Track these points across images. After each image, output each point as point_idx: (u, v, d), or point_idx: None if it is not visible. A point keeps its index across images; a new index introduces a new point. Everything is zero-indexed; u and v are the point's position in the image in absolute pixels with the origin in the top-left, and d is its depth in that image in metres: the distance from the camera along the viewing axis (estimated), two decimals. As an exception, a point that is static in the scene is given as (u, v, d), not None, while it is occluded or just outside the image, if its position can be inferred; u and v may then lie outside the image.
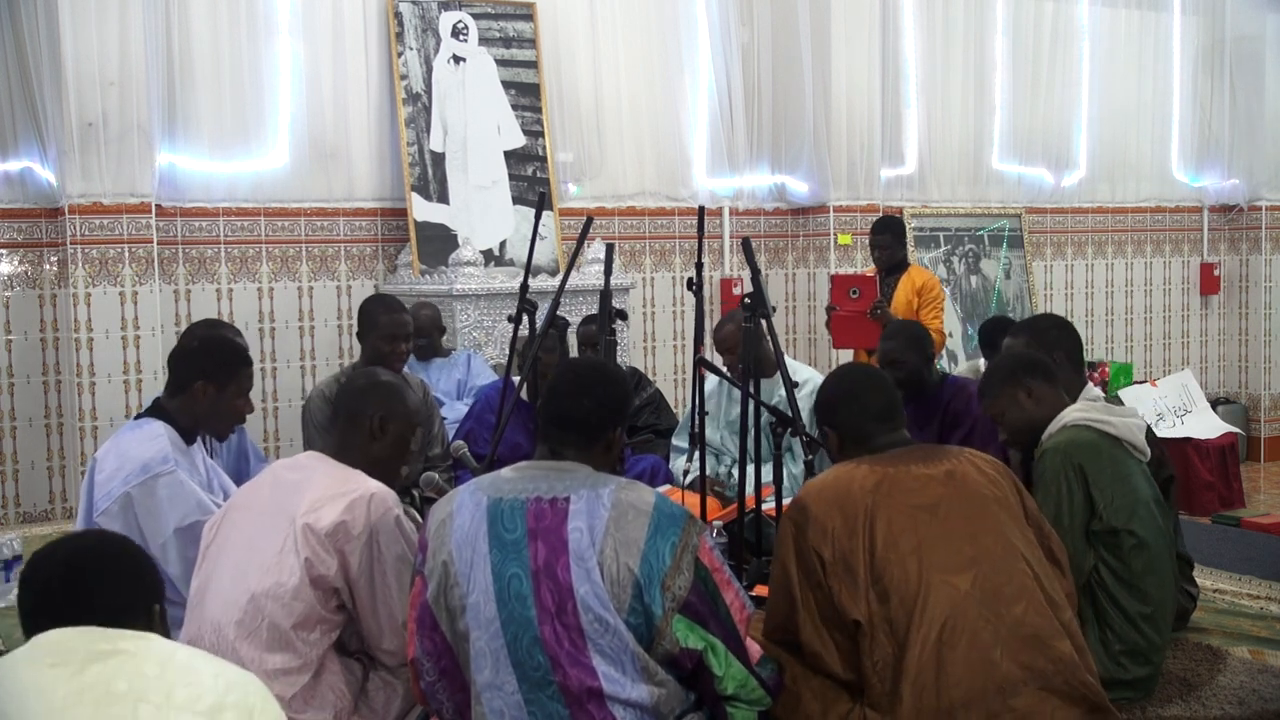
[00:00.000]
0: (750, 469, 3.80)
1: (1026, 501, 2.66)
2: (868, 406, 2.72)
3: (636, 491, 2.31)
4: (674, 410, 5.72)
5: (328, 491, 2.58)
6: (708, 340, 5.13)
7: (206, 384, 3.20)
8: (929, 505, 2.50)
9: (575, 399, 2.41)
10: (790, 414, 3.47)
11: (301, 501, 2.57)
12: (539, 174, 6.28)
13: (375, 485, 2.63)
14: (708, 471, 4.25)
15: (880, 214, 6.75)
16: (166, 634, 1.86)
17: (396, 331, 4.42)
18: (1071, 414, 3.25)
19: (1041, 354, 3.49)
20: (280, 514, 2.59)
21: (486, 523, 2.29)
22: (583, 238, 3.98)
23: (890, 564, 2.42)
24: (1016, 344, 3.83)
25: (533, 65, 6.33)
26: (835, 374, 2.95)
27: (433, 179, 6.02)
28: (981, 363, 5.45)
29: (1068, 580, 2.65)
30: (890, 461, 2.58)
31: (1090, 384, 3.66)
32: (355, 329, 4.73)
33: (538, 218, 4.10)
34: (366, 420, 2.76)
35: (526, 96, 6.30)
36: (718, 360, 4.65)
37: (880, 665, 2.40)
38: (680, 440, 4.75)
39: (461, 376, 5.53)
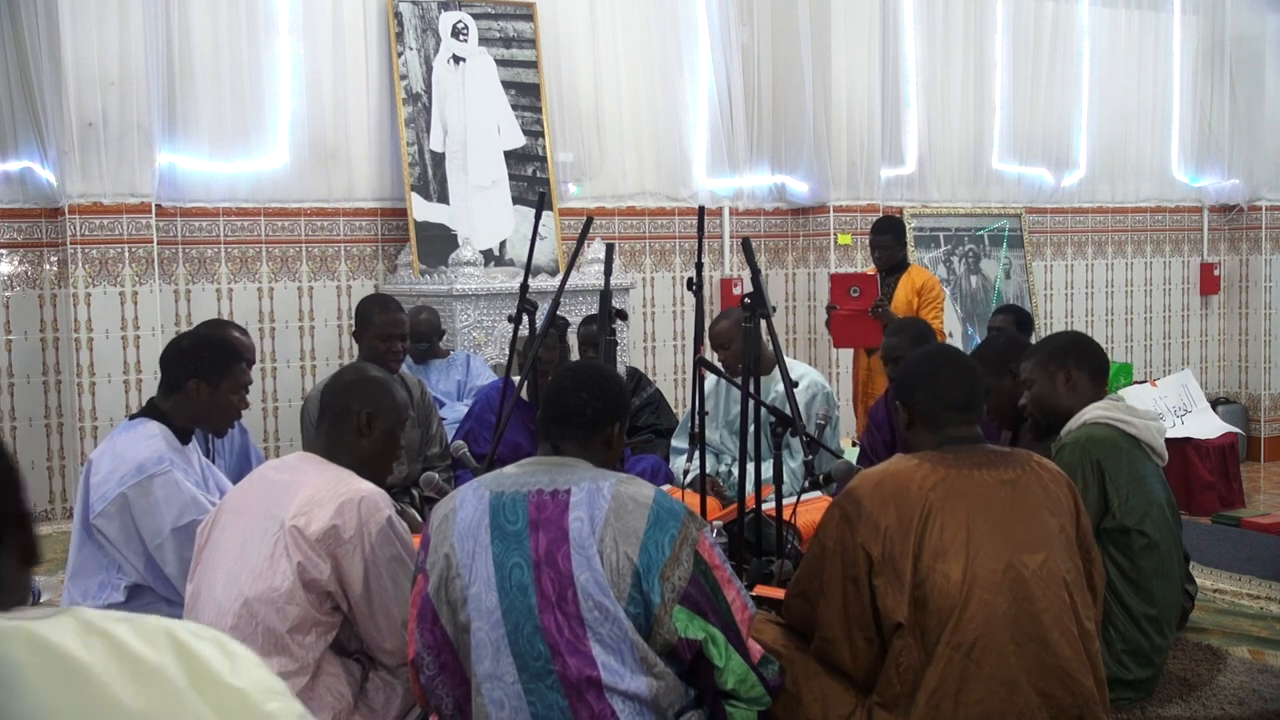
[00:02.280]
0: (750, 468, 3.80)
1: (1082, 521, 2.59)
2: (945, 393, 2.63)
3: (637, 485, 2.34)
4: (674, 410, 5.72)
5: (317, 494, 2.56)
6: (708, 340, 5.13)
7: (199, 382, 3.20)
8: (984, 515, 2.44)
9: (573, 394, 2.45)
10: (789, 413, 3.47)
11: (290, 504, 2.55)
12: (539, 174, 6.28)
13: (366, 487, 2.60)
14: (708, 470, 4.25)
15: (880, 214, 6.75)
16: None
17: (392, 330, 4.42)
18: (1093, 411, 3.25)
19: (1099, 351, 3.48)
20: (269, 517, 2.56)
21: (489, 515, 2.32)
22: (583, 238, 3.98)
23: (934, 572, 2.39)
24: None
25: (533, 65, 6.33)
26: (924, 353, 2.86)
27: (433, 179, 6.01)
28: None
29: (1098, 609, 2.62)
30: (953, 462, 2.51)
31: None
32: (354, 328, 4.74)
33: (538, 218, 4.10)
34: (353, 417, 2.73)
35: (526, 96, 6.30)
36: (715, 358, 4.66)
37: (904, 668, 2.38)
38: (680, 441, 4.75)
39: (461, 377, 5.53)
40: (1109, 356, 8.06)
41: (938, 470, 2.48)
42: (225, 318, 5.63)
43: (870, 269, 6.09)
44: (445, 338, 5.59)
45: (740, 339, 3.99)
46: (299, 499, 2.56)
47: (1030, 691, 2.36)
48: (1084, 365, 3.34)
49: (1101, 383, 3.37)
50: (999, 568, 2.40)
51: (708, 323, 4.67)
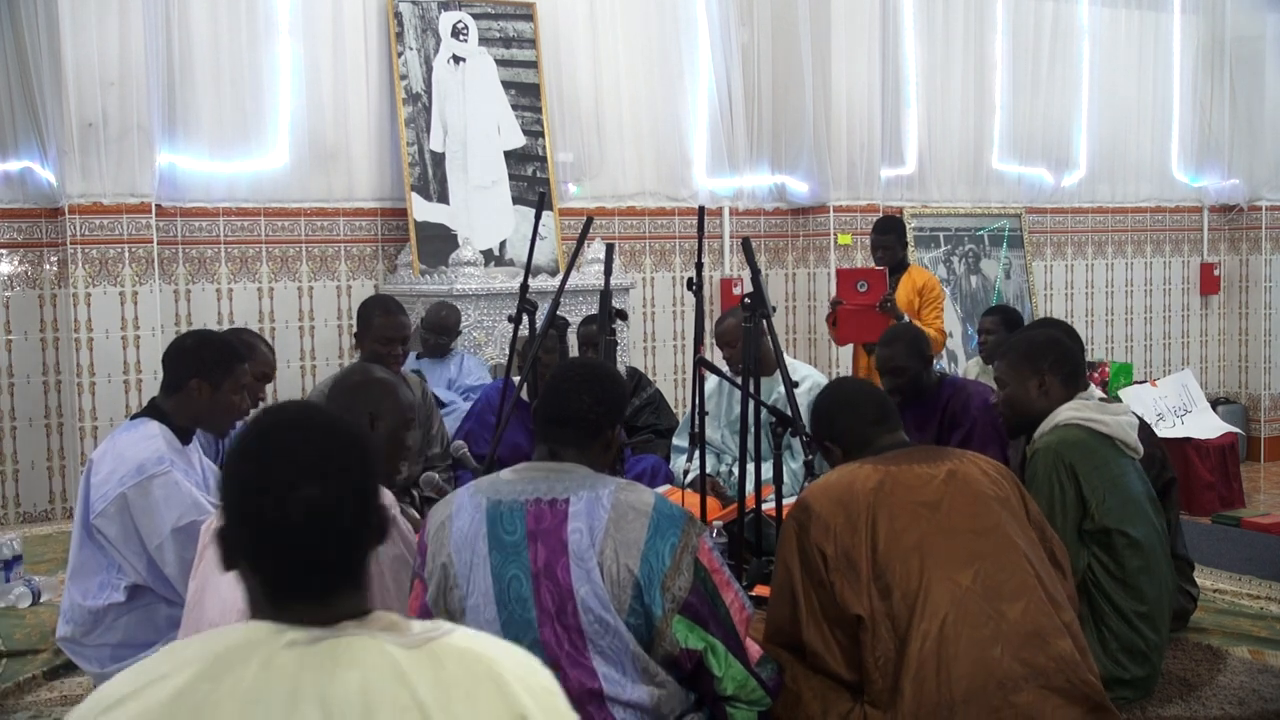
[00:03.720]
0: (750, 468, 3.80)
1: (1029, 503, 2.67)
2: (863, 412, 2.76)
3: (636, 492, 2.31)
4: (674, 410, 5.72)
5: None
6: (708, 340, 5.13)
7: (201, 382, 3.20)
8: (931, 502, 2.51)
9: (573, 396, 2.40)
10: (790, 413, 3.47)
11: None
12: (539, 174, 6.28)
13: None
14: (708, 470, 4.25)
15: (880, 214, 6.75)
16: None
17: (392, 335, 4.42)
18: (1064, 412, 3.24)
19: (1078, 353, 3.46)
20: None
21: (486, 525, 2.29)
22: (583, 238, 3.98)
23: (892, 559, 2.43)
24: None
25: (533, 65, 6.33)
26: (825, 389, 3.01)
27: (433, 179, 6.01)
28: (978, 362, 5.45)
29: (1069, 583, 2.65)
30: (893, 460, 2.60)
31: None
32: (355, 329, 4.74)
33: (538, 218, 4.10)
34: (357, 419, 2.74)
35: (526, 96, 6.30)
36: (718, 357, 4.65)
37: (882, 661, 2.40)
38: (681, 440, 4.75)
39: (453, 375, 5.55)
40: (1109, 356, 8.07)
41: (879, 469, 2.57)
42: (225, 318, 5.64)
43: (872, 266, 6.09)
44: (449, 337, 5.64)
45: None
46: None
47: (1010, 660, 2.38)
48: (1059, 370, 3.32)
49: (1075, 385, 3.35)
50: (955, 548, 2.46)
51: (708, 323, 4.68)
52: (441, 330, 5.39)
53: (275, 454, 1.37)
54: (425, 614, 2.34)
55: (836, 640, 2.48)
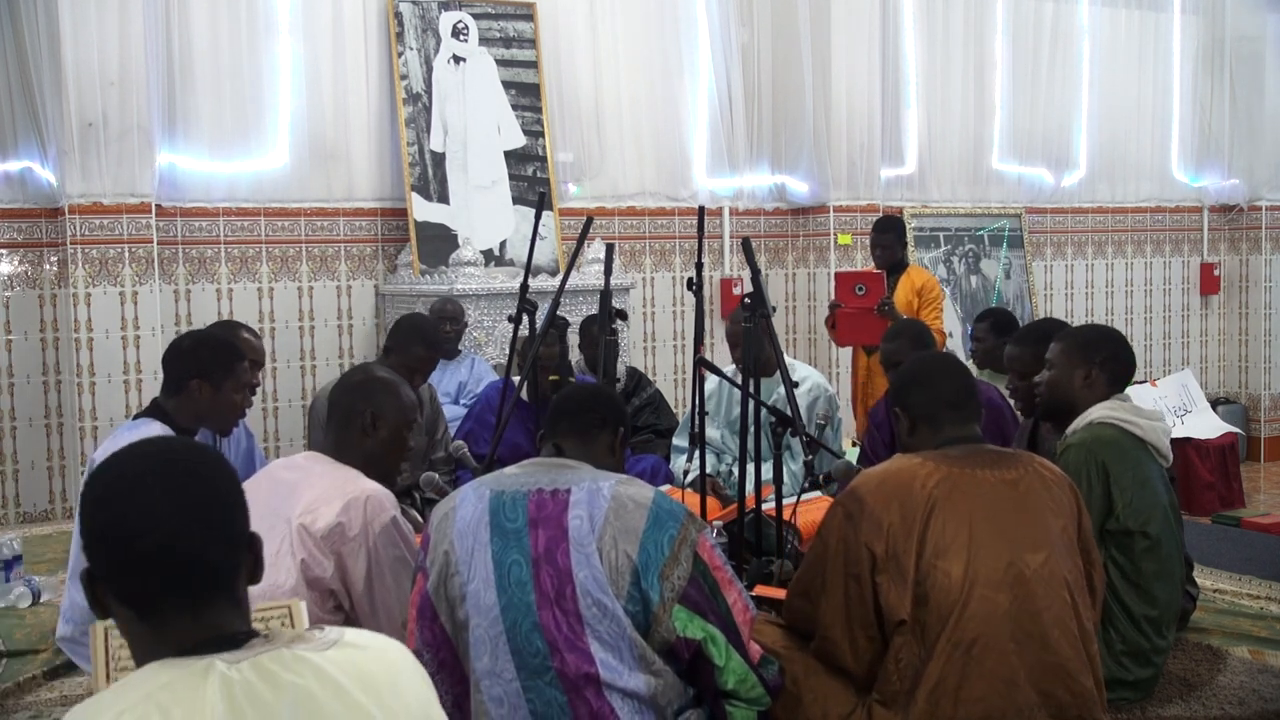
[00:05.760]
0: (750, 468, 3.80)
1: (1084, 523, 2.60)
2: (943, 392, 2.66)
3: (636, 486, 2.36)
4: (674, 410, 5.72)
5: (324, 493, 2.58)
6: (708, 340, 5.13)
7: (202, 382, 3.20)
8: (986, 514, 2.44)
9: (585, 396, 2.57)
10: (790, 413, 3.47)
11: (298, 502, 2.57)
12: (539, 174, 6.28)
13: (372, 486, 2.62)
14: (708, 469, 4.25)
15: (880, 214, 6.75)
16: None
17: (427, 369, 4.49)
18: (1099, 411, 3.24)
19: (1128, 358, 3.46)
20: (276, 515, 2.58)
21: (488, 513, 2.34)
22: (583, 238, 3.98)
23: (936, 569, 2.39)
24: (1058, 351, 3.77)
25: (533, 65, 6.33)
26: (916, 358, 2.93)
27: (433, 179, 6.01)
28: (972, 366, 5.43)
29: (1097, 612, 2.62)
30: (955, 461, 2.52)
31: None
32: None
33: (538, 218, 4.10)
34: (358, 418, 2.77)
35: (526, 96, 6.30)
36: (718, 356, 4.65)
37: (904, 665, 2.39)
38: (681, 440, 4.75)
39: (464, 378, 5.55)
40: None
41: (940, 468, 2.49)
42: (225, 318, 5.63)
43: (870, 269, 6.09)
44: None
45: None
46: (306, 497, 2.57)
47: (1030, 690, 2.36)
48: (1109, 367, 3.34)
49: (1118, 387, 3.37)
50: (1000, 566, 2.40)
51: (708, 322, 4.68)
52: (451, 318, 5.40)
53: (133, 501, 1.34)
54: (426, 602, 2.37)
55: (851, 634, 2.45)
